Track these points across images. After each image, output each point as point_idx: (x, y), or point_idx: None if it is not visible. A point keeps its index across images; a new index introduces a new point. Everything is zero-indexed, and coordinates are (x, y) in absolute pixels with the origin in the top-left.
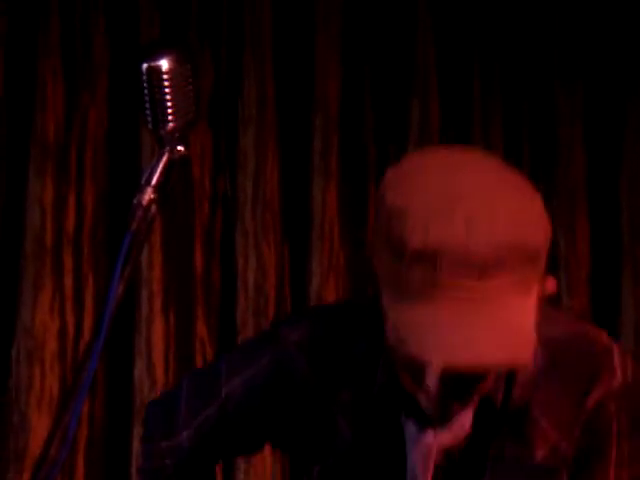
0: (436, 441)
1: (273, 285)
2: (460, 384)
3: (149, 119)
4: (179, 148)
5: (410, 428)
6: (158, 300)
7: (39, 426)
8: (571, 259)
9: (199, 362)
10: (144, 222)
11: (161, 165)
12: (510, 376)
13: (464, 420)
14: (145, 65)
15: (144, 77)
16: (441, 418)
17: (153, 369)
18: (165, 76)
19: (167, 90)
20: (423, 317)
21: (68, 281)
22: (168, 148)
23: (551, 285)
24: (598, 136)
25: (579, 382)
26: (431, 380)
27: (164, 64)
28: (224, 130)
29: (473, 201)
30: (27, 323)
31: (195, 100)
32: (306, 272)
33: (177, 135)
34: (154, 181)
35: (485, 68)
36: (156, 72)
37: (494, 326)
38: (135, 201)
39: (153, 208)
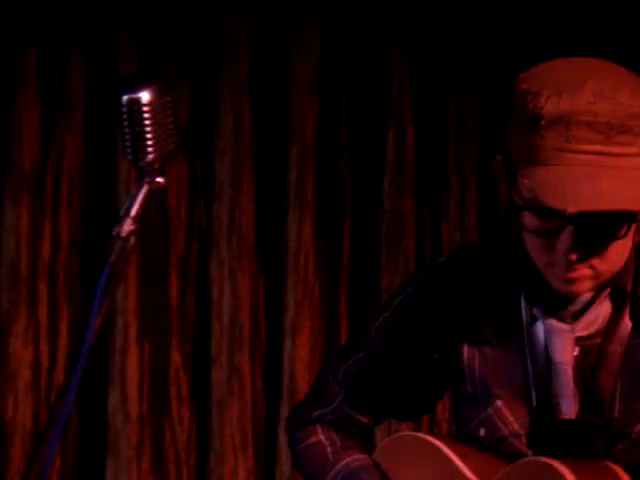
0: (573, 331)
1: (247, 315)
2: (590, 246)
3: (129, 150)
4: (158, 179)
5: (548, 325)
6: (133, 330)
7: (13, 456)
8: None
9: (173, 392)
10: (123, 254)
11: (141, 196)
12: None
13: (598, 311)
14: (125, 97)
15: (124, 109)
16: (574, 306)
17: (127, 400)
18: (145, 108)
19: (147, 122)
20: (558, 175)
21: (42, 311)
22: (148, 179)
23: None
24: None
25: None
26: (565, 238)
27: (144, 96)
28: (200, 160)
29: (599, 78)
30: (1, 353)
31: (175, 131)
32: (281, 302)
33: (157, 166)
34: (133, 212)
35: (460, 98)
36: (136, 104)
37: (619, 180)
38: (114, 232)
39: (132, 239)
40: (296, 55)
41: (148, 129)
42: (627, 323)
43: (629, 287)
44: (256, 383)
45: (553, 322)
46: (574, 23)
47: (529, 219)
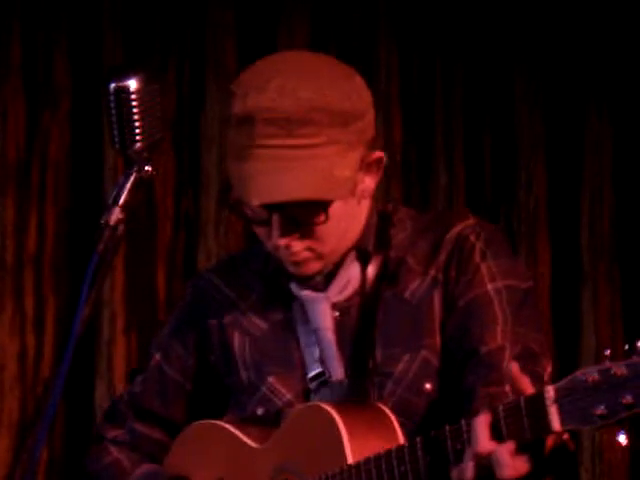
0: (328, 297)
1: None
2: (299, 232)
3: (117, 139)
4: (146, 168)
5: (304, 296)
6: (120, 321)
7: (0, 448)
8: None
9: None
10: (111, 242)
11: (129, 185)
12: (383, 239)
13: (348, 274)
14: (113, 85)
15: (112, 97)
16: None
17: (114, 390)
18: (133, 96)
19: (135, 110)
20: (246, 170)
21: (28, 302)
22: (136, 168)
23: (379, 155)
24: (559, 160)
25: (439, 229)
26: (274, 226)
27: (132, 84)
28: (187, 150)
29: (285, 75)
30: None
31: (162, 120)
32: None
33: (145, 155)
34: (121, 201)
35: (447, 93)
36: (124, 92)
37: (302, 170)
38: (102, 221)
39: (120, 228)
40: (282, 45)
41: (136, 117)
42: (375, 278)
43: (371, 247)
44: None
45: (308, 293)
46: (559, 11)
47: (247, 211)
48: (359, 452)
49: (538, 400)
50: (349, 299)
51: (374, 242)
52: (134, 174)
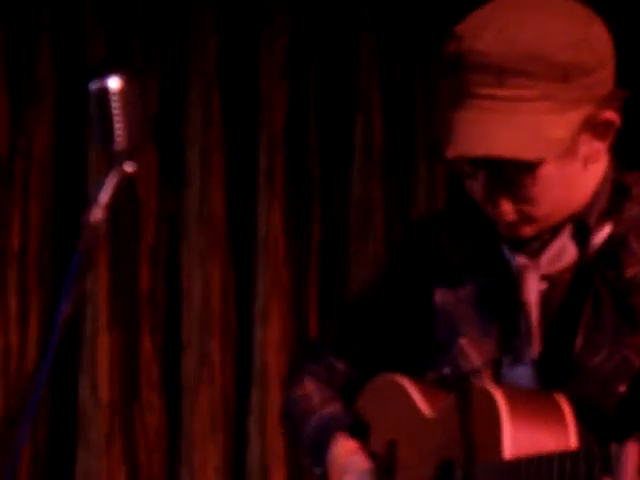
0: (537, 267)
1: (218, 302)
2: (507, 191)
3: (98, 137)
4: (128, 166)
5: (516, 262)
6: (103, 317)
7: None
8: None
9: (144, 379)
10: (92, 241)
11: (109, 183)
12: (614, 212)
13: (560, 247)
14: (94, 84)
15: (94, 95)
16: (531, 246)
17: (97, 387)
18: (114, 94)
19: (116, 109)
20: (447, 120)
21: (12, 299)
22: (117, 166)
23: (610, 116)
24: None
25: None
26: (480, 182)
27: (113, 83)
28: (170, 149)
29: (508, 17)
30: None
31: (144, 119)
32: (251, 289)
33: (126, 154)
34: (103, 199)
35: (428, 86)
36: (106, 91)
37: (507, 125)
38: (84, 219)
39: (102, 227)
40: (265, 45)
41: (117, 116)
42: (593, 256)
43: (592, 220)
44: (226, 370)
45: (519, 259)
46: None
47: (457, 164)
48: (518, 447)
49: None
50: (560, 273)
51: (599, 214)
52: (116, 173)
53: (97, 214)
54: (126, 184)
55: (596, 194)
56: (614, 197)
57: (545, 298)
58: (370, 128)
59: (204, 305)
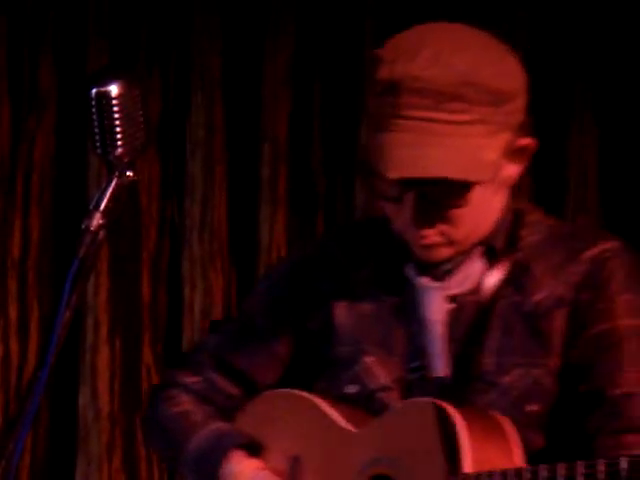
0: (445, 288)
1: (220, 312)
2: (434, 213)
3: (98, 144)
4: (128, 173)
5: (420, 283)
6: (104, 327)
7: None
8: None
9: (145, 390)
10: (92, 248)
11: (110, 190)
12: (513, 239)
13: (470, 269)
14: (94, 90)
15: (93, 102)
16: (440, 267)
17: (98, 397)
18: (114, 101)
19: (116, 115)
20: (387, 141)
21: (13, 308)
22: (117, 173)
23: (528, 142)
24: (542, 170)
25: (576, 243)
26: (407, 204)
27: (113, 89)
28: (172, 156)
29: (439, 44)
30: None
31: (144, 125)
32: None
33: (126, 160)
34: (102, 206)
35: None
36: (105, 97)
37: (446, 147)
38: (83, 226)
39: (101, 234)
40: (269, 54)
41: (117, 122)
42: (498, 280)
43: (500, 246)
44: None
45: (425, 281)
46: (543, 21)
47: (378, 185)
48: (476, 463)
49: None
50: (466, 295)
51: (504, 241)
52: (115, 180)
53: (96, 220)
54: (127, 192)
55: (500, 221)
56: (513, 225)
57: (453, 318)
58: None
59: (205, 314)
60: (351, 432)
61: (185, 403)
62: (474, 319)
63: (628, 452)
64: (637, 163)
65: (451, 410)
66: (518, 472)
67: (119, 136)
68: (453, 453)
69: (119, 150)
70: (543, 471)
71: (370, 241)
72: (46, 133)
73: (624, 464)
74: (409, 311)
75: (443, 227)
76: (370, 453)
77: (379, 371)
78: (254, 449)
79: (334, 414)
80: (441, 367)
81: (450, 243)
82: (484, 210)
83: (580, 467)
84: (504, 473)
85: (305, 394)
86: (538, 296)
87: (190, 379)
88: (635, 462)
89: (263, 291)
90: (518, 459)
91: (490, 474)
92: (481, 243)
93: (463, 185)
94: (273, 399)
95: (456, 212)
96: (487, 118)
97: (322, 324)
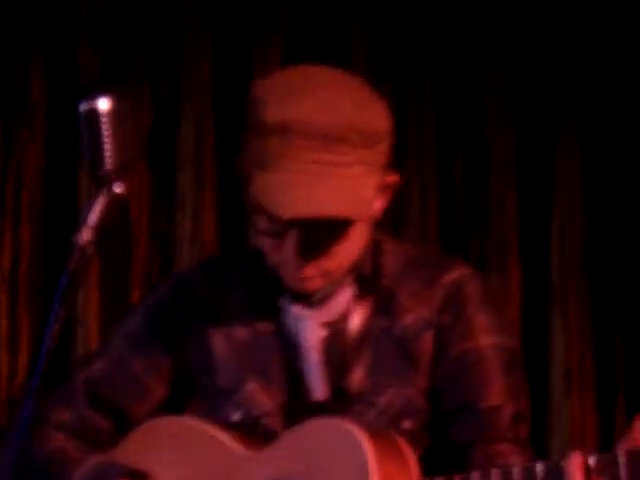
0: (318, 316)
1: None
2: (315, 248)
3: (87, 160)
4: (117, 189)
5: (294, 312)
6: (94, 340)
7: None
8: (503, 300)
9: None
10: (81, 262)
11: (99, 206)
12: (376, 266)
13: (342, 296)
14: (84, 106)
15: (83, 117)
16: (315, 297)
17: None
18: (104, 118)
19: (105, 131)
20: (277, 181)
21: (3, 321)
22: (106, 189)
23: (394, 178)
24: (529, 181)
25: (433, 270)
26: (291, 240)
27: (103, 105)
28: (162, 169)
29: (325, 89)
30: None
31: (134, 140)
32: None
33: (115, 176)
34: (92, 222)
35: (420, 119)
36: (95, 113)
37: (334, 188)
38: (73, 242)
39: (90, 248)
40: (258, 66)
41: (106, 138)
42: (369, 304)
43: (368, 272)
44: None
45: (298, 309)
46: (530, 35)
47: (260, 221)
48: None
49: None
50: (339, 321)
51: (370, 268)
52: (105, 195)
53: (86, 236)
54: (118, 205)
55: (366, 248)
56: (375, 252)
57: (327, 344)
58: None
59: None
60: (246, 454)
61: (59, 439)
62: (347, 344)
63: (503, 460)
64: (622, 179)
65: (356, 429)
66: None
67: (108, 153)
68: (361, 471)
69: (108, 166)
70: None
71: (240, 273)
72: (36, 145)
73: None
74: (285, 339)
75: (322, 260)
76: (268, 474)
77: (261, 398)
78: (138, 477)
79: (225, 438)
80: (320, 391)
81: (325, 274)
82: (358, 244)
83: (496, 474)
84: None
85: (192, 420)
86: (406, 320)
87: (62, 415)
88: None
89: (135, 326)
90: (415, 474)
91: None
92: (351, 271)
93: (346, 223)
94: (157, 427)
95: (336, 246)
96: (366, 159)
97: (200, 357)
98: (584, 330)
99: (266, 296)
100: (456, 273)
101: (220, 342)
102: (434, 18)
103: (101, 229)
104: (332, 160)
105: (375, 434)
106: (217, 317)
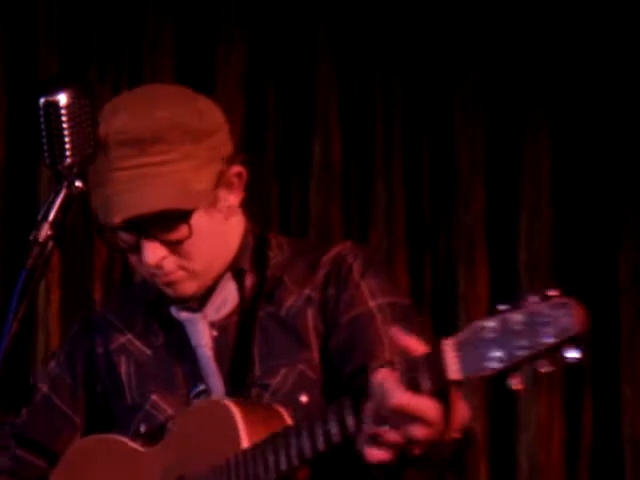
0: (205, 316)
1: None
2: (166, 251)
3: (46, 154)
4: (77, 183)
5: (182, 317)
6: (55, 339)
7: None
8: (470, 297)
9: None
10: (40, 259)
11: (58, 201)
12: (260, 258)
13: (224, 294)
14: (43, 100)
15: (41, 111)
16: (197, 300)
17: None
18: (63, 111)
19: (65, 125)
20: (106, 194)
21: None
22: (66, 183)
23: (238, 170)
24: (497, 179)
25: (317, 251)
26: (143, 249)
27: (62, 99)
28: None
29: (137, 100)
30: None
31: (94, 135)
32: None
33: (75, 170)
34: (51, 217)
35: (387, 114)
36: (54, 107)
37: (160, 185)
38: (31, 237)
39: (50, 244)
40: (221, 61)
41: (65, 132)
42: (252, 296)
43: (246, 265)
44: None
45: (184, 314)
46: (497, 31)
47: (114, 241)
48: (255, 437)
49: (436, 353)
50: (226, 318)
51: (250, 261)
52: (64, 190)
53: (45, 232)
54: (77, 202)
55: (243, 245)
56: (259, 248)
57: (218, 342)
58: (328, 146)
59: None
60: (145, 451)
61: None
62: (237, 337)
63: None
64: (590, 176)
65: (223, 399)
66: (285, 431)
67: (67, 146)
68: (233, 435)
69: (68, 160)
70: (303, 425)
71: (136, 297)
72: None
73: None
74: (180, 345)
75: (180, 261)
76: (163, 464)
77: (165, 404)
78: None
79: (131, 443)
80: (219, 386)
81: (193, 276)
82: (217, 239)
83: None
84: (273, 436)
85: (103, 435)
86: (289, 302)
87: (1, 461)
88: None
89: (52, 368)
90: (286, 419)
91: (264, 441)
92: (228, 268)
93: (181, 217)
94: (76, 449)
95: (187, 245)
96: (190, 154)
97: (109, 382)
98: None
99: (159, 312)
100: (335, 250)
101: (125, 364)
102: (402, 15)
103: (60, 225)
104: (152, 161)
105: (243, 401)
106: (121, 341)
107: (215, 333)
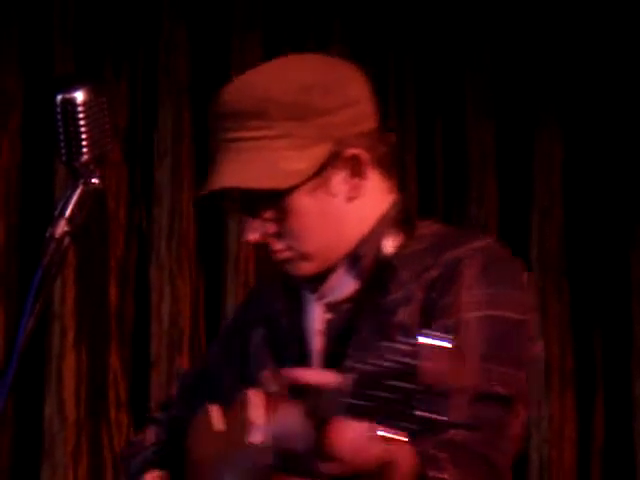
0: (320, 298)
1: (188, 318)
2: (268, 227)
3: (63, 151)
4: (93, 180)
5: (303, 296)
6: (70, 334)
7: None
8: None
9: (112, 397)
10: (57, 255)
11: (75, 197)
12: (392, 248)
13: (340, 278)
14: (60, 97)
15: (59, 109)
16: (314, 281)
17: (64, 404)
18: (80, 108)
19: (82, 122)
20: (210, 165)
21: None
22: (82, 180)
23: (353, 153)
24: (509, 176)
25: (444, 248)
26: (244, 222)
27: (79, 96)
28: (140, 163)
29: (254, 70)
30: None
31: (110, 132)
32: (221, 306)
33: (91, 167)
34: (67, 213)
35: (400, 111)
36: (71, 104)
37: (239, 162)
38: (48, 234)
39: (66, 241)
40: (236, 61)
41: (82, 129)
42: (367, 287)
43: (364, 253)
44: None
45: (304, 293)
46: (511, 25)
47: (230, 209)
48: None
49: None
50: (342, 302)
51: (372, 250)
52: (81, 187)
53: (61, 228)
54: (94, 199)
55: (373, 231)
56: (395, 236)
57: (330, 326)
58: None
59: (173, 322)
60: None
61: (147, 431)
62: (345, 324)
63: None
64: (602, 172)
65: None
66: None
67: (84, 143)
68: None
69: (84, 157)
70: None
71: (279, 275)
72: (12, 139)
73: None
74: (300, 324)
75: (287, 241)
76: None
77: (270, 381)
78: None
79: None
80: (316, 366)
81: (304, 257)
82: (330, 222)
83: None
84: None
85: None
86: (395, 295)
87: (163, 415)
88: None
89: (219, 338)
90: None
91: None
92: (350, 254)
93: (272, 196)
94: (198, 420)
95: (292, 225)
96: (291, 132)
97: (243, 350)
98: (563, 327)
99: (293, 288)
100: (463, 249)
101: (259, 337)
102: (415, 5)
103: (77, 221)
104: (246, 136)
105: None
106: (259, 317)
107: (329, 317)
